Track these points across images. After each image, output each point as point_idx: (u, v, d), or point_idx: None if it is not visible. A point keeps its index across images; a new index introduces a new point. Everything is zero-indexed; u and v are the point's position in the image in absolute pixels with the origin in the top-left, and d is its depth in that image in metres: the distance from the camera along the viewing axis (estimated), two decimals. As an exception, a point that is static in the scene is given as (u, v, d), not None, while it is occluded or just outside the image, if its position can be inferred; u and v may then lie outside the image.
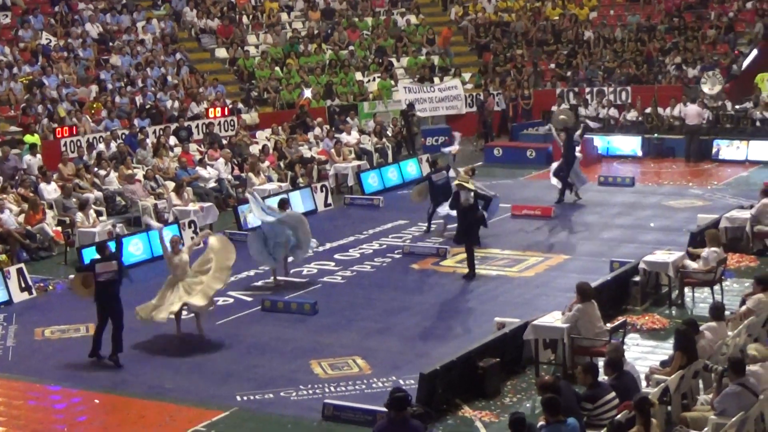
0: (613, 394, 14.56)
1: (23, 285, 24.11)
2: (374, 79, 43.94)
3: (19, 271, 24.22)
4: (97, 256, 20.43)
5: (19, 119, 35.53)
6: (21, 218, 27.58)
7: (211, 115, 38.89)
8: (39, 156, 32.25)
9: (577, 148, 31.14)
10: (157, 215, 29.78)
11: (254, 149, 35.45)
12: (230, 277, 21.63)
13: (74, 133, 35.07)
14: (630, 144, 38.71)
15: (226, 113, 39.39)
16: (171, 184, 30.95)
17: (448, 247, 26.27)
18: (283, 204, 24.83)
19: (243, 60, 43.84)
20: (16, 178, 30.32)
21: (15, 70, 38.26)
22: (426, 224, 28.37)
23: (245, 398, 17.78)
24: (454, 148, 32.87)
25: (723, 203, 30.05)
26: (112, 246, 22.12)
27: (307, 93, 41.51)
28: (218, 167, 32.80)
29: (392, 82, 43.63)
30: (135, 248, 26.57)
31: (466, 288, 23.57)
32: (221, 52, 44.95)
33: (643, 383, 15.98)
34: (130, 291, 20.85)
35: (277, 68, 43.79)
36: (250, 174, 32.33)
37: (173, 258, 20.85)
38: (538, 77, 44.96)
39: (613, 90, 42.45)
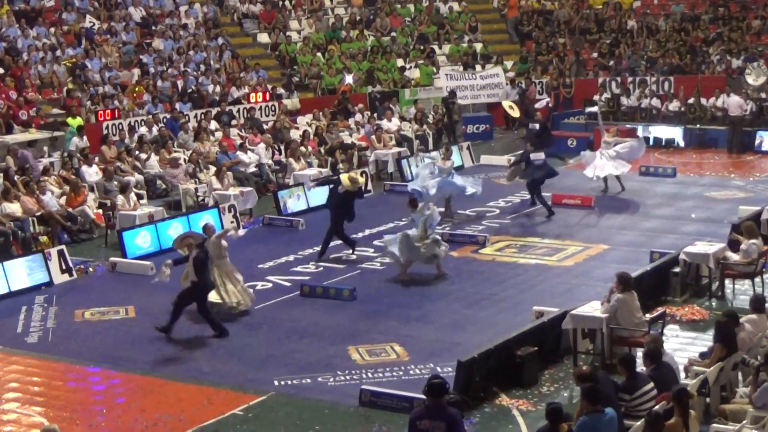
0: (652, 385, 14.52)
1: (64, 267, 24.25)
2: (416, 66, 43.89)
3: (60, 253, 24.36)
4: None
5: (62, 102, 35.72)
6: (62, 200, 27.74)
7: (252, 100, 38.97)
8: (85, 138, 32.40)
9: None
10: (196, 199, 29.93)
11: (295, 135, 35.49)
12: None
13: (116, 116, 35.24)
14: (672, 134, 38.46)
15: (268, 98, 39.46)
16: (211, 169, 31.06)
17: (488, 235, 26.26)
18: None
19: (285, 45, 43.89)
20: (27, 172, 29.60)
21: (58, 52, 38.46)
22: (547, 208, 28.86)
23: (282, 383, 17.83)
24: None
25: (765, 195, 29.87)
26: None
27: (349, 79, 41.52)
28: (259, 152, 32.85)
29: (434, 69, 43.54)
30: (175, 232, 26.61)
31: (504, 276, 23.53)
32: (263, 37, 45.02)
33: (682, 375, 15.93)
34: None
35: (319, 54, 43.81)
36: (291, 159, 32.39)
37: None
38: (581, 66, 44.75)
39: (655, 80, 42.20)
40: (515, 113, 36.96)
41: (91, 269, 24.99)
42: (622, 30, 46.47)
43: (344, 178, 25.14)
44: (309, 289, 22.46)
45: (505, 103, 37.53)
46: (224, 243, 21.32)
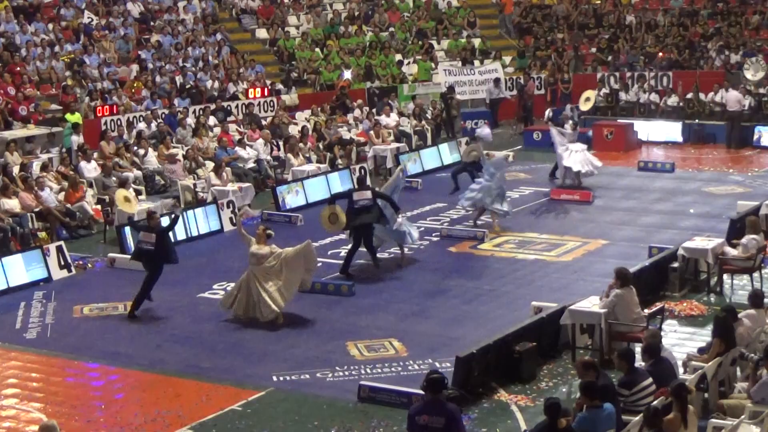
0: (650, 380, 14.51)
1: (62, 263, 24.26)
2: (414, 62, 43.88)
3: (59, 249, 24.37)
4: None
5: (59, 98, 35.69)
6: (61, 196, 27.74)
7: (251, 95, 38.96)
8: (81, 134, 32.43)
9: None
10: (195, 194, 29.93)
11: (293, 130, 35.48)
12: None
13: (115, 111, 35.22)
14: (671, 129, 38.45)
15: (266, 94, 39.45)
16: (210, 164, 31.04)
17: (486, 231, 26.24)
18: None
19: (283, 41, 43.86)
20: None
21: (57, 48, 38.43)
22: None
23: (281, 378, 17.84)
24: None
25: (764, 190, 29.86)
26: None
27: (347, 74, 41.51)
28: (257, 148, 32.85)
29: (432, 65, 43.53)
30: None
31: (503, 272, 23.53)
32: (262, 33, 44.99)
33: (681, 370, 15.96)
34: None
35: (318, 49, 43.79)
36: (289, 155, 32.38)
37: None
38: (579, 61, 44.75)
39: (654, 75, 42.22)
40: (589, 105, 35.47)
41: (89, 265, 24.99)
42: (621, 25, 46.47)
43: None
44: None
45: (586, 94, 36.48)
46: (253, 248, 20.54)
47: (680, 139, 38.05)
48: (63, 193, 27.87)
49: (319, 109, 37.74)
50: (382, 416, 16.20)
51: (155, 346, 19.70)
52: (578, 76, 43.49)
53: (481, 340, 17.79)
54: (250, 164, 32.12)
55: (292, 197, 29.78)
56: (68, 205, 27.40)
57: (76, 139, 32.00)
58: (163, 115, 35.42)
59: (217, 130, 34.70)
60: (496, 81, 41.76)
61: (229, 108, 37.71)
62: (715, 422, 14.21)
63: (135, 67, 38.91)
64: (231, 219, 27.69)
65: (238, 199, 28.72)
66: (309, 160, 32.79)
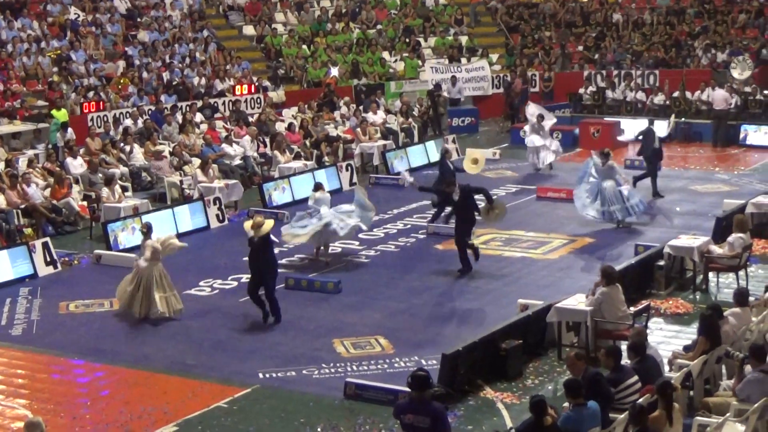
0: (636, 377, 14.54)
1: (48, 259, 24.21)
2: (401, 59, 43.86)
3: (45, 245, 24.31)
4: None
5: (46, 94, 35.62)
6: (47, 192, 27.67)
7: (237, 92, 38.91)
8: (70, 129, 32.34)
9: None
10: (181, 191, 29.88)
11: (280, 127, 35.45)
12: None
13: (101, 108, 35.15)
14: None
15: (253, 91, 39.40)
16: (196, 161, 30.99)
17: (473, 228, 26.20)
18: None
19: (270, 38, 43.81)
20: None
21: (43, 44, 38.35)
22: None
23: (267, 375, 17.83)
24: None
25: (750, 189, 29.89)
26: None
27: (334, 72, 41.50)
28: (244, 144, 32.80)
29: (419, 62, 43.53)
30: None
31: (489, 269, 23.50)
32: (249, 30, 44.95)
33: (666, 368, 15.97)
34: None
35: (305, 46, 43.75)
36: (276, 152, 32.36)
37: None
38: (566, 59, 44.78)
39: (641, 73, 42.27)
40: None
41: (75, 261, 24.94)
42: (608, 23, 46.54)
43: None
44: (294, 282, 22.45)
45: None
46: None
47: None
48: (49, 189, 27.80)
49: (306, 106, 37.69)
50: (368, 413, 16.20)
51: (141, 342, 19.68)
52: (565, 74, 43.53)
53: (467, 337, 17.81)
54: (237, 161, 32.07)
55: (279, 194, 29.73)
56: (54, 202, 27.34)
57: (60, 137, 31.89)
58: (150, 112, 35.36)
59: (204, 126, 34.66)
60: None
61: (215, 105, 37.68)
62: (700, 420, 14.23)
63: (122, 63, 38.86)
64: (217, 216, 27.67)
65: (225, 196, 28.68)
66: (299, 157, 32.79)
